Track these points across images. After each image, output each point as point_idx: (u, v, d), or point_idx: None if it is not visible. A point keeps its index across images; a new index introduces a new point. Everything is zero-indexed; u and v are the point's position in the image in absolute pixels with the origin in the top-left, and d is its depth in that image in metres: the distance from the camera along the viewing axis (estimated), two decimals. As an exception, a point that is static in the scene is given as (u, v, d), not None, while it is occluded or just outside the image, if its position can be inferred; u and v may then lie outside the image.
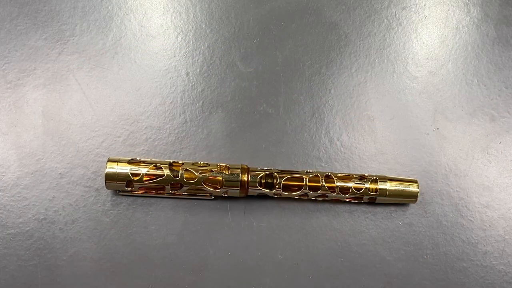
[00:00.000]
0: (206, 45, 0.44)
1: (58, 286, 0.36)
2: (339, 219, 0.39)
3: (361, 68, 0.44)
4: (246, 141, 0.41)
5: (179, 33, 0.44)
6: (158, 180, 0.37)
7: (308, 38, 0.45)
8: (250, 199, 0.39)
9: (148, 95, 0.42)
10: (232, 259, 0.38)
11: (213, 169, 0.37)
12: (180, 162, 0.38)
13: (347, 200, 0.39)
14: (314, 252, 0.38)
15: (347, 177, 0.38)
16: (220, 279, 0.37)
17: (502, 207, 0.40)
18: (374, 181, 0.38)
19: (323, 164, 0.41)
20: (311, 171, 0.39)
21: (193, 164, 0.37)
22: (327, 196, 0.38)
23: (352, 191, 0.38)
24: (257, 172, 0.38)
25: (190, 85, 0.43)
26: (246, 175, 0.37)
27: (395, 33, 0.46)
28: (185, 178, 0.37)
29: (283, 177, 0.37)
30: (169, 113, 0.41)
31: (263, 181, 0.38)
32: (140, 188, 0.38)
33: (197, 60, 0.43)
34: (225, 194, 0.38)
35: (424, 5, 0.47)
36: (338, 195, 0.38)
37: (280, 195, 0.38)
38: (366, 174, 0.39)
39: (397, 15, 0.46)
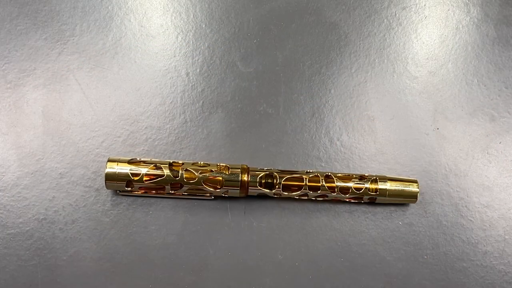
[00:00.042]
0: (206, 45, 0.44)
1: (58, 286, 0.36)
2: (339, 219, 0.39)
3: (361, 68, 0.44)
4: (246, 141, 0.41)
5: (179, 33, 0.44)
6: (158, 180, 0.37)
7: (308, 38, 0.45)
8: (250, 199, 0.39)
9: (148, 95, 0.42)
10: (232, 259, 0.38)
11: (213, 169, 0.37)
12: (180, 162, 0.38)
13: (347, 200, 0.39)
14: (314, 252, 0.38)
15: (347, 177, 0.38)
16: (220, 279, 0.37)
17: (502, 207, 0.40)
18: (374, 181, 0.38)
19: (323, 164, 0.41)
20: (311, 171, 0.39)
21: (193, 164, 0.37)
22: (327, 196, 0.38)
23: (352, 191, 0.38)
24: (257, 172, 0.38)
25: (190, 85, 0.43)
26: (246, 175, 0.37)
27: (395, 33, 0.46)
28: (185, 178, 0.37)
29: (283, 177, 0.37)
30: (169, 113, 0.41)
31: (263, 181, 0.38)
32: (140, 188, 0.38)
33: (197, 60, 0.43)
34: (225, 194, 0.38)
35: (424, 5, 0.47)
36: (338, 195, 0.38)
37: (280, 195, 0.38)
38: (366, 174, 0.39)
39: (397, 15, 0.46)
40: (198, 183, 0.37)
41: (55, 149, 0.39)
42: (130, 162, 0.37)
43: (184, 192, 0.38)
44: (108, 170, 0.37)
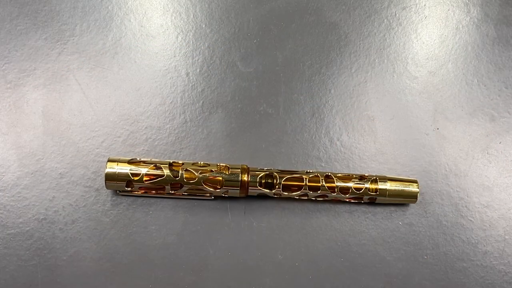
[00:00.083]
0: (206, 45, 0.44)
1: (58, 286, 0.36)
2: (339, 219, 0.39)
3: (361, 68, 0.44)
4: (246, 141, 0.41)
5: (179, 33, 0.44)
6: (158, 180, 0.37)
7: (308, 38, 0.45)
8: (250, 199, 0.39)
9: (148, 95, 0.42)
10: (232, 259, 0.38)
11: (213, 169, 0.37)
12: (180, 162, 0.38)
13: (347, 200, 0.39)
14: (314, 252, 0.38)
15: (347, 177, 0.38)
16: (220, 279, 0.37)
17: (502, 207, 0.40)
18: (374, 181, 0.38)
19: (323, 164, 0.41)
20: (311, 171, 0.39)
21: (193, 164, 0.37)
22: (327, 196, 0.38)
23: (352, 191, 0.38)
24: (257, 172, 0.38)
25: (190, 85, 0.43)
26: (246, 175, 0.37)
27: (395, 33, 0.46)
28: (185, 178, 0.37)
29: (283, 177, 0.37)
30: (169, 113, 0.41)
31: (263, 181, 0.38)
32: (140, 188, 0.38)
33: (197, 60, 0.43)
34: (225, 194, 0.38)
35: (424, 5, 0.47)
36: (338, 195, 0.38)
37: (280, 195, 0.38)
38: (366, 174, 0.39)
39: (397, 15, 0.46)
40: (198, 183, 0.37)
41: (55, 149, 0.39)
42: (130, 162, 0.37)
43: (184, 192, 0.38)
44: (108, 170, 0.37)
